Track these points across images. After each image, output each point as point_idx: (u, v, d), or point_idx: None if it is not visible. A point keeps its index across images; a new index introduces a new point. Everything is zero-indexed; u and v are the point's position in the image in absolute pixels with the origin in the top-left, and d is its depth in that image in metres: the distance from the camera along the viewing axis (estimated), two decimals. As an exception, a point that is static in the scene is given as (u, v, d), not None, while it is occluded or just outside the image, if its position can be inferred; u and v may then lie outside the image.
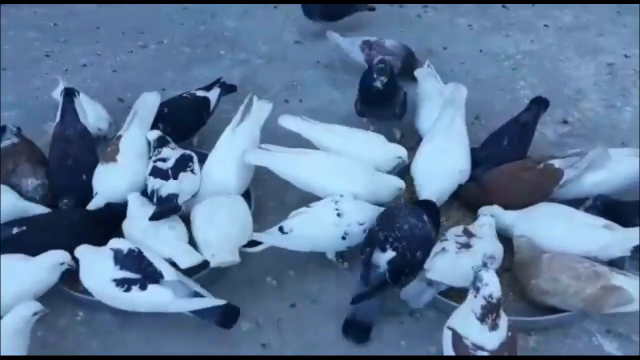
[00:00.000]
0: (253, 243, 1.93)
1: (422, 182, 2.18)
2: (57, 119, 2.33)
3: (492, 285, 1.52)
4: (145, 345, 1.83)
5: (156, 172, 2.11)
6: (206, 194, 2.10)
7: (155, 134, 2.24)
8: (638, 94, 2.89)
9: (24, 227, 1.95)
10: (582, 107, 2.83)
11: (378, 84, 2.35)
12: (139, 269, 1.78)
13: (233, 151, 2.19)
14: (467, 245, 1.86)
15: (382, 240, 1.85)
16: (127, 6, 3.53)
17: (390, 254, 1.82)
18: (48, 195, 2.18)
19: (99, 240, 1.92)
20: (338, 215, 1.96)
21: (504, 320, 1.56)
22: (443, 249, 1.85)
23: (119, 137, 2.25)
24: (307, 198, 2.19)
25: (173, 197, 2.02)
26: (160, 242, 1.93)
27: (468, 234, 1.91)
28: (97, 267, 1.82)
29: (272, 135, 2.32)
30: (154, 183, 2.08)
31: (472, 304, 1.54)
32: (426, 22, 3.48)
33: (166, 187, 2.05)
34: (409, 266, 1.85)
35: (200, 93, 2.54)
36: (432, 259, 1.84)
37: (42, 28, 3.36)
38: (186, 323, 1.88)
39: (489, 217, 2.00)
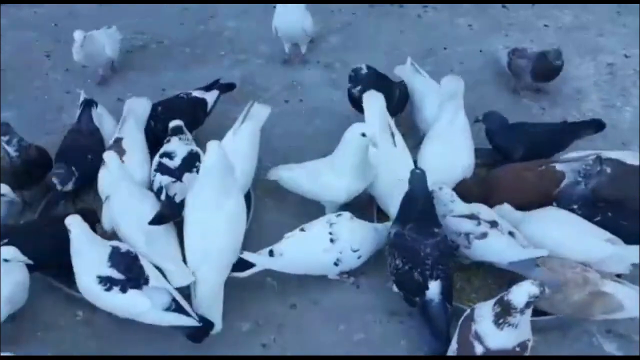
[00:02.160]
0: (242, 264, 1.90)
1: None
2: (75, 120, 2.39)
3: (515, 293, 1.49)
4: (145, 346, 1.83)
5: (163, 169, 2.11)
6: None
7: (174, 123, 2.27)
8: (638, 94, 2.89)
9: (6, 240, 1.91)
10: (582, 107, 2.83)
11: (355, 92, 2.38)
12: (127, 271, 1.76)
13: (233, 154, 2.18)
14: (494, 224, 1.93)
15: (421, 280, 1.80)
16: (127, 6, 3.53)
17: (436, 285, 1.79)
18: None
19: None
20: (331, 240, 1.92)
21: (514, 332, 1.51)
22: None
23: (120, 140, 2.25)
24: (306, 199, 2.19)
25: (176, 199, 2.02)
26: (156, 253, 1.90)
27: (474, 218, 1.95)
28: (90, 260, 1.78)
29: (269, 135, 2.32)
30: (162, 179, 2.08)
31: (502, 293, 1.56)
32: (426, 22, 3.48)
33: (173, 188, 2.05)
34: (452, 283, 1.86)
35: (197, 94, 2.54)
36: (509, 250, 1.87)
37: (42, 28, 3.36)
38: (186, 323, 1.88)
39: (441, 191, 2.03)
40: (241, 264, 1.90)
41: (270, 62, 3.12)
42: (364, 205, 2.21)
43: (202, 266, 1.84)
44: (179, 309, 1.74)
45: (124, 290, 1.73)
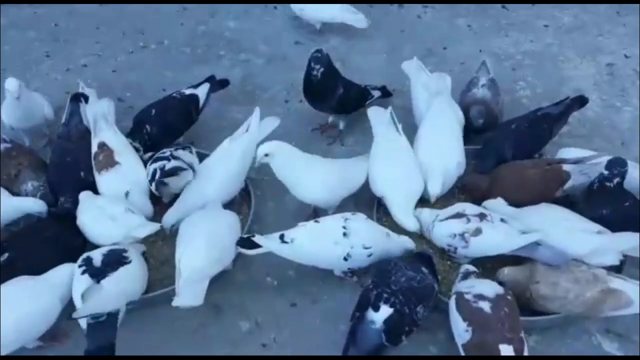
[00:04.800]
0: (250, 243, 1.90)
1: (426, 181, 2.18)
2: (63, 120, 2.37)
3: (466, 266, 1.90)
4: (146, 345, 1.83)
5: (157, 159, 2.14)
6: (190, 201, 2.10)
7: (147, 156, 2.29)
8: (638, 94, 2.89)
9: (12, 253, 1.90)
10: (581, 107, 2.83)
11: (315, 72, 2.39)
12: (105, 264, 1.78)
13: (222, 163, 2.19)
14: (482, 216, 1.95)
15: (374, 299, 1.70)
16: (127, 6, 3.53)
17: (386, 311, 1.67)
18: (49, 196, 2.18)
19: (79, 246, 1.98)
20: (344, 234, 1.88)
21: (491, 282, 1.78)
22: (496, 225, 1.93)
23: (104, 143, 2.22)
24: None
25: (177, 167, 2.08)
26: (117, 223, 1.95)
27: (461, 216, 1.97)
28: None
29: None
30: (155, 165, 2.10)
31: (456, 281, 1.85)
32: (426, 22, 3.48)
33: (169, 164, 2.08)
34: (409, 324, 1.69)
35: (188, 91, 2.53)
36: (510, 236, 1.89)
37: (42, 28, 3.36)
38: (186, 323, 1.89)
39: (422, 214, 2.08)
40: (249, 244, 1.89)
41: (270, 62, 3.12)
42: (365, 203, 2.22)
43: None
44: (100, 322, 1.68)
45: (83, 272, 1.75)
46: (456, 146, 2.27)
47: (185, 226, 1.99)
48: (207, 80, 2.59)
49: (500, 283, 1.84)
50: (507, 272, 1.87)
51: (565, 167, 2.11)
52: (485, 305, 1.67)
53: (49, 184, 2.20)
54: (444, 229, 1.97)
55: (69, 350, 1.84)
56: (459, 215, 1.97)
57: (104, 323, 1.67)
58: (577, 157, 2.16)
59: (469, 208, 2.00)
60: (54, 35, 3.32)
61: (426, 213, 2.09)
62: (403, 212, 2.10)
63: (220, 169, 2.17)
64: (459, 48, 3.21)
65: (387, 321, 1.66)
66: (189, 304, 1.78)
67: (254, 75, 3.03)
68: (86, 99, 2.41)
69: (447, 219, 1.98)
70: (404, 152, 2.25)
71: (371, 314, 1.68)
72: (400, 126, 2.31)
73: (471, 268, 1.88)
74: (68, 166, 2.21)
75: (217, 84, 2.62)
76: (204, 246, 1.86)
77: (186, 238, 1.92)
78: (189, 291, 1.79)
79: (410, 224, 2.08)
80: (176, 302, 1.77)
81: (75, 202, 2.10)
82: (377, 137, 2.28)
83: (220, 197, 2.15)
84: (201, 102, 2.51)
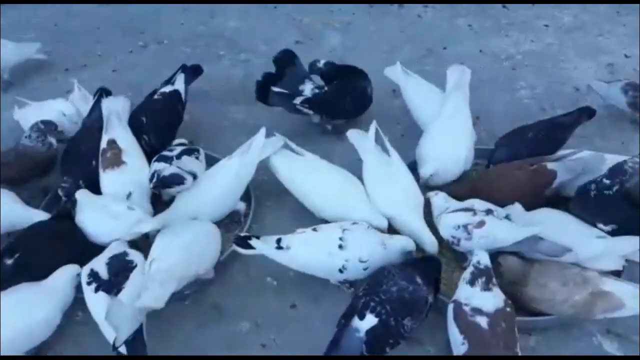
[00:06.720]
0: (247, 244, 1.88)
1: (425, 163, 2.19)
2: (86, 114, 2.39)
3: (480, 256, 1.74)
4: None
5: (160, 158, 2.11)
6: (174, 217, 2.04)
7: (177, 141, 2.29)
8: (638, 94, 2.88)
9: (18, 254, 1.88)
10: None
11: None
12: (113, 274, 1.76)
13: (214, 182, 2.13)
14: (489, 211, 1.94)
15: (361, 306, 1.65)
16: (127, 6, 3.54)
17: (370, 320, 1.62)
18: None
19: (84, 243, 1.98)
20: (340, 246, 1.84)
21: (498, 291, 1.70)
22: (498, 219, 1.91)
23: (113, 140, 2.22)
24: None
25: (175, 176, 2.04)
26: (119, 221, 1.95)
27: (468, 209, 1.96)
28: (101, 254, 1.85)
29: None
30: (156, 166, 2.07)
31: (464, 275, 1.74)
32: (426, 22, 3.48)
33: (168, 169, 2.05)
34: (394, 336, 1.64)
35: (167, 88, 2.47)
36: (509, 229, 1.87)
37: (42, 28, 3.36)
38: (186, 323, 1.89)
39: (437, 196, 2.07)
40: (246, 244, 1.89)
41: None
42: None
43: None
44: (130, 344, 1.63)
45: (96, 290, 1.73)
46: (467, 141, 2.28)
47: (161, 234, 1.95)
48: (181, 70, 2.52)
49: (499, 271, 1.84)
50: (513, 263, 1.86)
51: (550, 165, 2.11)
52: (483, 321, 1.63)
53: (61, 169, 2.22)
54: (450, 219, 1.97)
55: (69, 350, 1.84)
56: (467, 209, 1.97)
57: (134, 342, 1.63)
58: (558, 155, 2.16)
59: (477, 204, 2.00)
60: (54, 35, 3.32)
61: (441, 196, 2.06)
62: (421, 228, 2.03)
63: (211, 189, 2.10)
64: (459, 48, 3.22)
65: (369, 332, 1.61)
66: (150, 305, 1.68)
67: (254, 75, 3.02)
68: (108, 94, 2.41)
69: (455, 211, 1.99)
70: (398, 168, 2.17)
71: (356, 322, 1.63)
72: (386, 139, 2.21)
73: (483, 261, 1.76)
74: (81, 153, 2.24)
75: (190, 72, 2.54)
76: (176, 249, 1.84)
77: (161, 243, 1.89)
78: (152, 292, 1.70)
79: (432, 241, 2.01)
80: (138, 302, 1.68)
81: (75, 187, 2.08)
82: (366, 159, 2.19)
83: (209, 217, 2.08)
84: (183, 95, 2.46)
